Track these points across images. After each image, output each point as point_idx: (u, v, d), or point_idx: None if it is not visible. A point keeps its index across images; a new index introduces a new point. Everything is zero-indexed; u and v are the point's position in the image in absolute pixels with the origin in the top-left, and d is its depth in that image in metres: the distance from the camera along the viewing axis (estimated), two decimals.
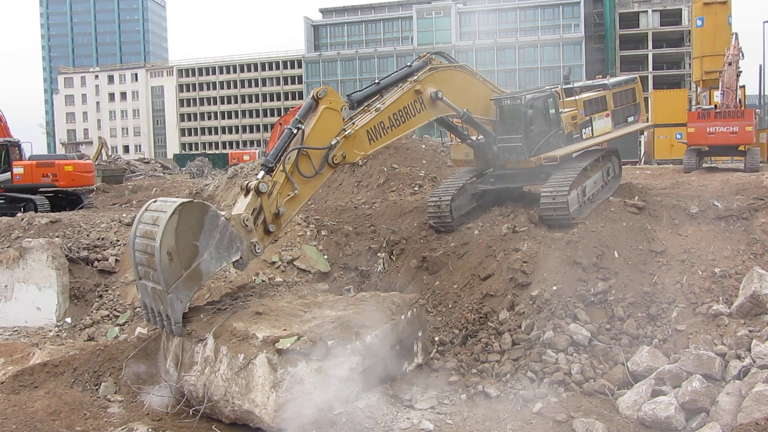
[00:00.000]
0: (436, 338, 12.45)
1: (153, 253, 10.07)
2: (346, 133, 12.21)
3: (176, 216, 10.00)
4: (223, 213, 10.74)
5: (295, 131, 11.73)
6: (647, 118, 20.72)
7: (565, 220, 14.35)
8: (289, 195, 11.50)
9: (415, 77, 13.71)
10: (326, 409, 9.46)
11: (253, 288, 13.28)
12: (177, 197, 11.01)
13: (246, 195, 11.13)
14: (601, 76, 21.05)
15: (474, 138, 16.47)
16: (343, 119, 12.40)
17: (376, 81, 13.74)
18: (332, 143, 12.00)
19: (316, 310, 11.08)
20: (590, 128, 17.11)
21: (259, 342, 9.85)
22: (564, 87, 17.87)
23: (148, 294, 10.92)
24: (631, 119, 19.06)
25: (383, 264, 16.02)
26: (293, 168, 11.54)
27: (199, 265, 10.38)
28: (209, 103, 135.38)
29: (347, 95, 13.19)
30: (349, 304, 11.36)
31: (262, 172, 11.47)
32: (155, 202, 10.75)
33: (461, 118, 14.97)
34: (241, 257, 10.92)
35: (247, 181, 11.22)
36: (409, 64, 14.20)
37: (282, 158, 11.54)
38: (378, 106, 13.01)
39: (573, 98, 17.13)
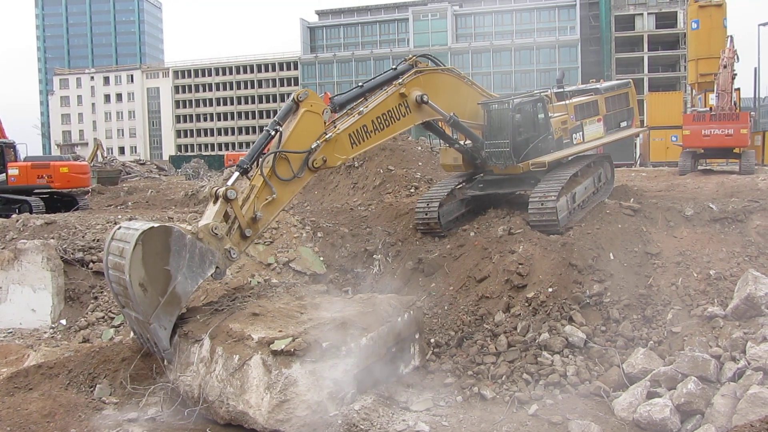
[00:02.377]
0: (432, 340, 12.45)
1: (126, 286, 9.97)
2: (327, 136, 12.01)
3: (140, 246, 9.79)
4: (189, 228, 10.57)
5: (272, 133, 11.57)
6: (642, 123, 20.52)
7: (554, 227, 14.26)
8: (266, 199, 11.31)
9: (400, 80, 13.57)
10: (320, 410, 9.47)
11: (251, 289, 13.25)
12: (142, 219, 10.84)
13: (215, 202, 10.96)
14: (594, 80, 20.98)
15: (462, 142, 16.37)
16: (325, 122, 12.18)
17: (360, 84, 13.58)
18: (312, 147, 11.80)
19: (313, 312, 11.04)
20: (581, 133, 16.94)
21: (254, 343, 9.86)
22: (556, 91, 17.82)
23: (133, 321, 10.89)
24: (624, 124, 18.86)
25: (379, 266, 16.02)
26: (271, 172, 11.36)
27: (175, 289, 10.26)
28: (205, 105, 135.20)
29: (329, 98, 13.05)
30: (346, 306, 11.34)
31: (235, 174, 11.36)
32: (119, 229, 10.48)
33: (448, 122, 14.80)
34: (217, 268, 10.77)
35: (215, 188, 11.07)
36: (394, 66, 14.07)
37: (260, 161, 11.40)
38: (361, 109, 12.85)
39: (563, 103, 17.00)
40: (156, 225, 10.02)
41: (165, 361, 10.81)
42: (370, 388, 10.35)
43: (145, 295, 10.05)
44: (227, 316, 10.97)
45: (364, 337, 10.26)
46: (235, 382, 9.79)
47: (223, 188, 10.87)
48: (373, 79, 13.80)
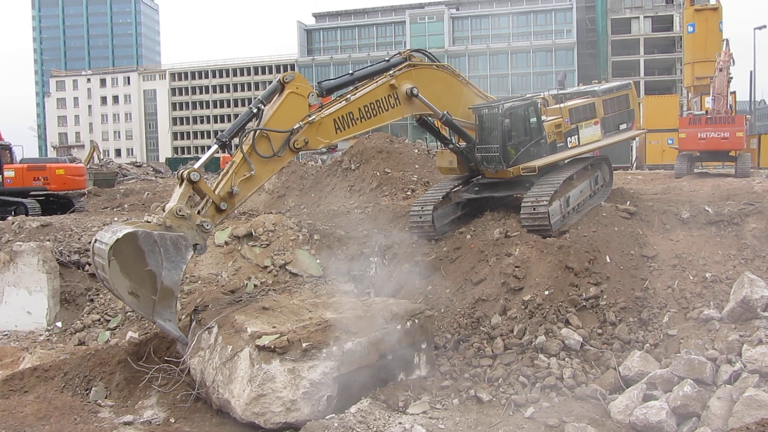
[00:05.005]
0: None
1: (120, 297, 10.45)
2: (311, 119, 12.15)
3: (114, 262, 10.08)
4: (154, 220, 10.73)
5: (254, 111, 11.73)
6: (642, 125, 19.91)
7: (546, 231, 14.22)
8: (244, 175, 11.46)
9: (392, 72, 13.64)
10: (294, 409, 9.65)
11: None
12: (114, 225, 11.24)
13: (180, 185, 11.15)
14: (597, 81, 20.78)
15: (456, 143, 16.24)
16: (310, 106, 12.30)
17: (350, 72, 13.69)
18: (295, 127, 11.94)
19: (320, 311, 11.22)
20: (576, 136, 16.74)
21: (247, 336, 10.16)
22: (554, 93, 17.70)
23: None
24: (623, 126, 18.51)
25: (375, 268, 15.99)
26: (251, 149, 11.52)
27: (163, 284, 10.52)
28: (202, 107, 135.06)
29: (317, 82, 13.17)
30: (349, 308, 11.39)
31: (213, 147, 11.67)
32: (95, 242, 10.76)
33: (441, 119, 14.79)
34: (196, 245, 10.92)
35: (181, 171, 11.26)
36: (387, 58, 14.13)
37: (241, 137, 11.57)
38: (348, 96, 13.00)
39: (557, 106, 16.86)
40: (121, 235, 10.14)
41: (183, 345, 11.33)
42: (356, 394, 10.33)
43: (139, 300, 10.37)
44: (239, 307, 11.37)
45: (350, 342, 10.26)
46: (225, 371, 10.12)
47: (187, 170, 11.05)
48: (364, 68, 13.91)
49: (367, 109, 13.18)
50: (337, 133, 12.77)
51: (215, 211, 11.24)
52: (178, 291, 11.03)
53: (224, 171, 11.55)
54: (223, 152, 11.93)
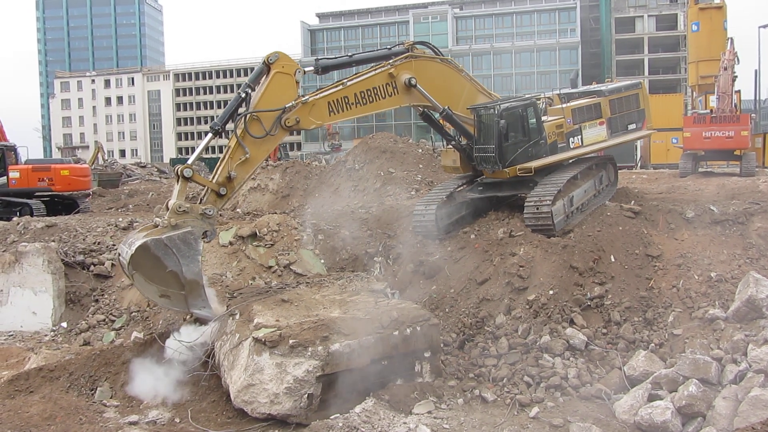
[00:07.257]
0: None
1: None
2: (304, 99, 12.34)
3: (137, 275, 10.87)
4: (159, 224, 11.20)
5: (243, 95, 11.98)
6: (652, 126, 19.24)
7: (550, 231, 14.16)
8: (240, 159, 11.73)
9: (392, 61, 13.71)
10: (277, 402, 9.88)
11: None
12: (130, 237, 11.75)
13: (177, 182, 11.51)
14: (609, 79, 20.56)
15: (457, 138, 16.14)
16: (297, 83, 12.44)
17: (349, 54, 13.83)
18: (287, 106, 12.13)
19: (333, 308, 11.40)
20: (579, 137, 16.46)
21: (252, 326, 10.56)
22: (559, 93, 17.61)
23: None
24: (632, 126, 18.09)
25: (380, 268, 15.99)
26: (244, 132, 11.76)
27: (186, 278, 11.11)
28: (206, 107, 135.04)
29: (315, 59, 13.43)
30: (358, 309, 11.43)
31: (208, 135, 11.98)
32: (119, 257, 11.65)
33: (441, 114, 14.79)
34: (205, 233, 11.36)
35: (177, 168, 11.55)
36: (389, 47, 14.17)
37: (235, 123, 11.87)
38: (345, 81, 13.12)
39: (559, 106, 16.74)
40: (133, 250, 10.73)
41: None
42: (344, 395, 10.34)
43: (171, 299, 11.14)
44: (263, 297, 11.89)
45: (337, 343, 10.29)
46: (231, 357, 10.57)
47: (181, 167, 11.41)
48: (364, 52, 14.05)
49: (363, 95, 13.32)
50: (330, 116, 12.98)
51: (216, 197, 11.63)
52: (202, 279, 11.61)
53: (221, 158, 11.85)
54: (215, 135, 12.20)
